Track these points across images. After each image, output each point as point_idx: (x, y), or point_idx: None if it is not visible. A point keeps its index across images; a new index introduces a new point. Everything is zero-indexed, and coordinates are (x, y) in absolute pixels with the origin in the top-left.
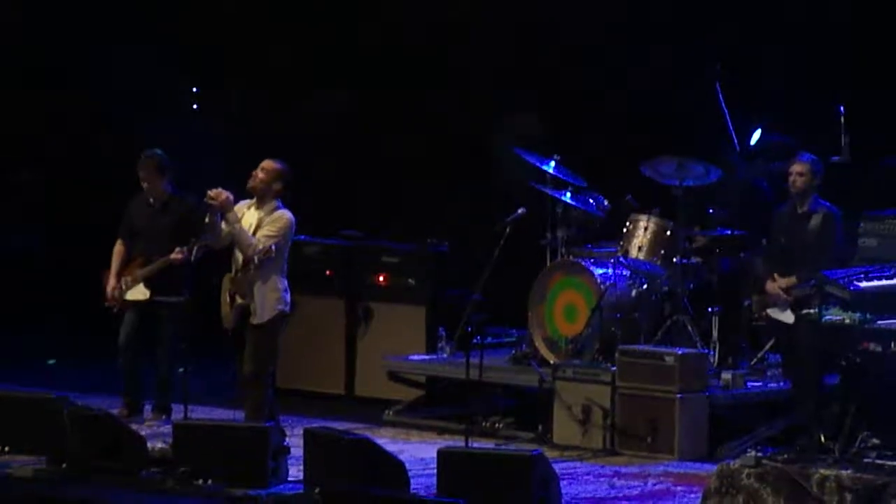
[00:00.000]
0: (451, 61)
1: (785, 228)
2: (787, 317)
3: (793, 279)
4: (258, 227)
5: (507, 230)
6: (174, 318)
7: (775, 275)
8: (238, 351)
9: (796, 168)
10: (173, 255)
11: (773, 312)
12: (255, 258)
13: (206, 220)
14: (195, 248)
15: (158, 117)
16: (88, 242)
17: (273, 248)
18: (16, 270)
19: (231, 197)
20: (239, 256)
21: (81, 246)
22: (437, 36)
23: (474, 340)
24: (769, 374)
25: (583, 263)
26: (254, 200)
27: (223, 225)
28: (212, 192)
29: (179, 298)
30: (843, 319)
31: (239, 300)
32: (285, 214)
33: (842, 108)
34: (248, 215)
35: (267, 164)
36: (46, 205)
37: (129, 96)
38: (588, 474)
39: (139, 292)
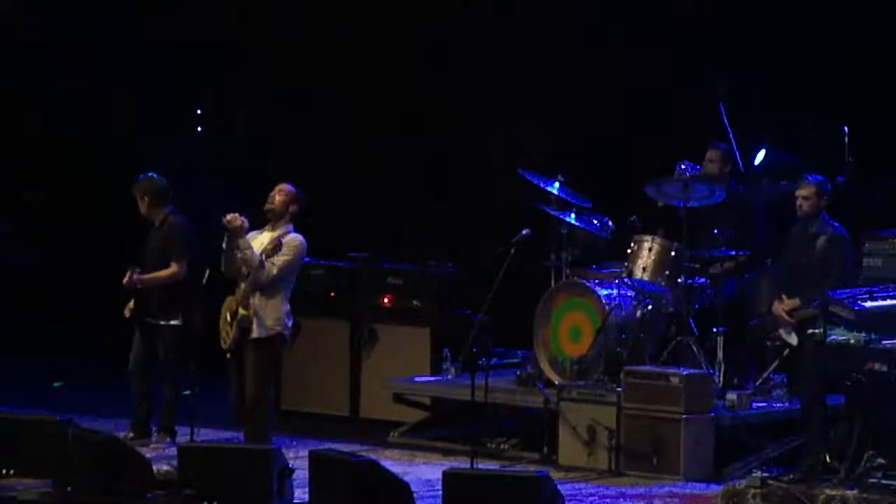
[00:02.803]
0: (455, 79)
1: (793, 249)
2: (793, 339)
3: (796, 301)
4: (269, 247)
5: (512, 251)
6: (170, 340)
7: (783, 296)
8: (236, 372)
9: (802, 192)
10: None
11: (782, 333)
12: (264, 280)
13: (223, 245)
14: (136, 273)
15: (160, 136)
16: (93, 264)
17: (279, 270)
18: (21, 291)
19: (246, 223)
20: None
21: (87, 268)
22: (439, 51)
23: (479, 362)
24: (774, 394)
25: (587, 284)
26: (267, 226)
27: (236, 252)
28: (228, 217)
29: (175, 321)
30: (848, 339)
31: (241, 312)
32: (297, 238)
33: (846, 129)
34: (260, 237)
35: (284, 186)
36: (50, 225)
37: (133, 115)
38: (593, 495)
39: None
